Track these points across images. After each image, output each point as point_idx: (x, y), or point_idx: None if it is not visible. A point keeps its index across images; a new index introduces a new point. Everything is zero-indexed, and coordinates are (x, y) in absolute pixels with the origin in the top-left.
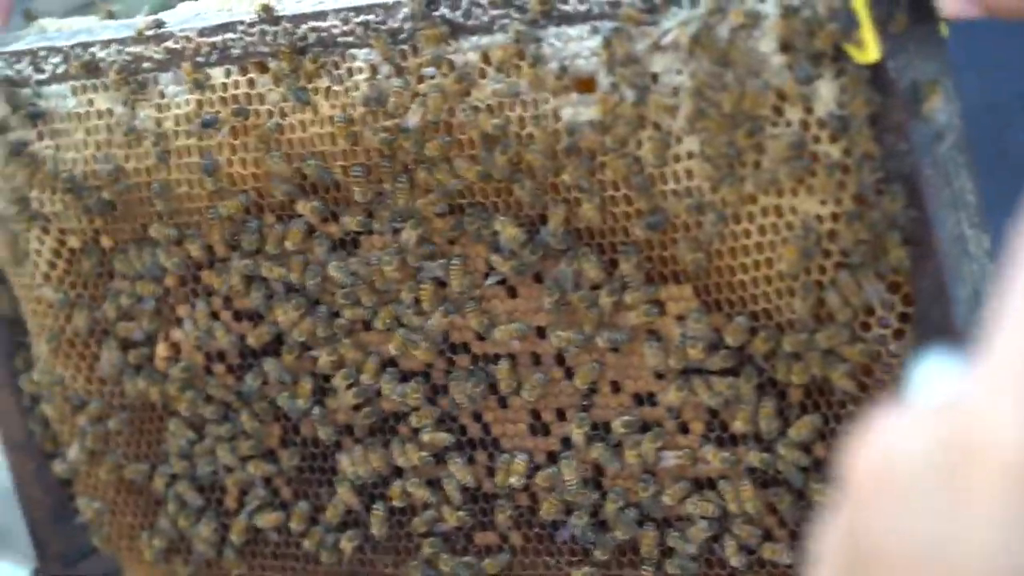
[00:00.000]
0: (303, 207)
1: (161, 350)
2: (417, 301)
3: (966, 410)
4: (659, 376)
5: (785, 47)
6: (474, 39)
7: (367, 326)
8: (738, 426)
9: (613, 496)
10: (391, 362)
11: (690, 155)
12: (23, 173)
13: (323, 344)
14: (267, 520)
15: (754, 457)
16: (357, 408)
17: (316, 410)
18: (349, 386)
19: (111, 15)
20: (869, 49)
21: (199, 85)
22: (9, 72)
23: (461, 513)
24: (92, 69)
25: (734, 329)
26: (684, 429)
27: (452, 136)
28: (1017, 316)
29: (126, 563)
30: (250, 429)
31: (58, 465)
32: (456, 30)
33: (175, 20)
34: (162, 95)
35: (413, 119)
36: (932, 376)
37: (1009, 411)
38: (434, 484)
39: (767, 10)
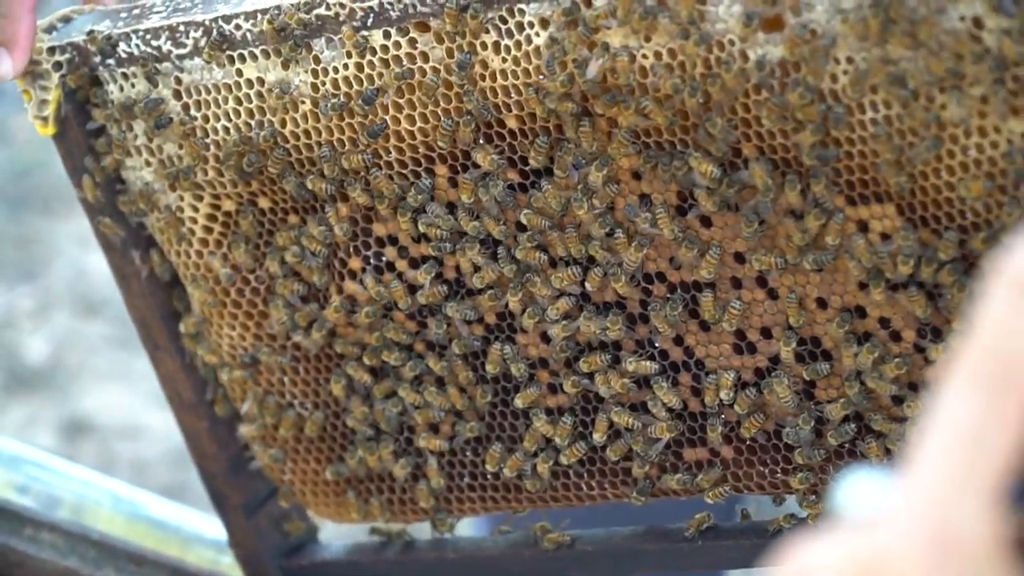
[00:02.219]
0: (482, 157)
1: (335, 302)
2: (609, 235)
3: (880, 539)
4: (863, 287)
5: None
6: None
7: (553, 264)
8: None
9: (831, 406)
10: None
11: (889, 83)
12: (171, 145)
13: (508, 286)
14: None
15: None
16: (547, 341)
17: (508, 347)
18: (537, 322)
19: None
20: None
21: (358, 47)
22: (148, 49)
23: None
24: (239, 41)
25: (946, 244)
26: (896, 337)
27: (637, 79)
28: (941, 434)
29: (311, 507)
30: (439, 371)
31: (243, 427)
32: None
33: None
34: (317, 60)
35: (593, 69)
36: (859, 492)
37: (918, 546)
38: (638, 409)
39: None
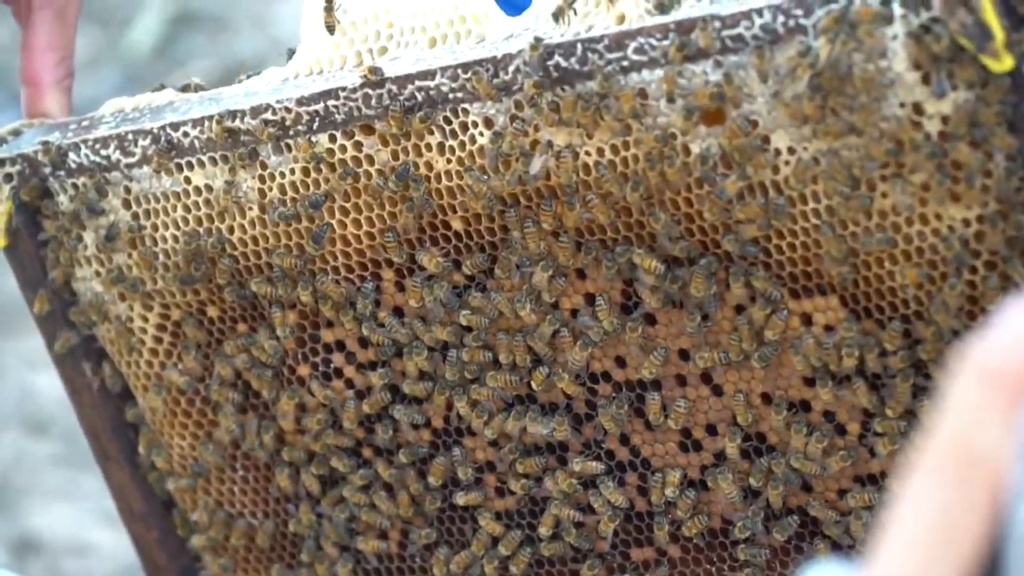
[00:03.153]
0: (427, 260)
1: (282, 410)
2: (553, 337)
3: None
4: (808, 383)
5: (917, 65)
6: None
7: (497, 366)
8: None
9: (775, 492)
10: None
11: (827, 174)
12: (120, 255)
13: (454, 389)
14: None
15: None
16: (495, 445)
17: (456, 451)
18: (486, 422)
19: (193, 88)
20: (1004, 58)
21: (313, 159)
22: (96, 159)
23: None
24: (188, 148)
25: (891, 334)
26: (841, 431)
27: (580, 177)
28: (906, 524)
29: None
30: (387, 477)
31: (194, 537)
32: (570, 78)
33: (267, 89)
34: (263, 166)
35: (536, 165)
36: None
37: None
38: (585, 510)
39: (895, 32)
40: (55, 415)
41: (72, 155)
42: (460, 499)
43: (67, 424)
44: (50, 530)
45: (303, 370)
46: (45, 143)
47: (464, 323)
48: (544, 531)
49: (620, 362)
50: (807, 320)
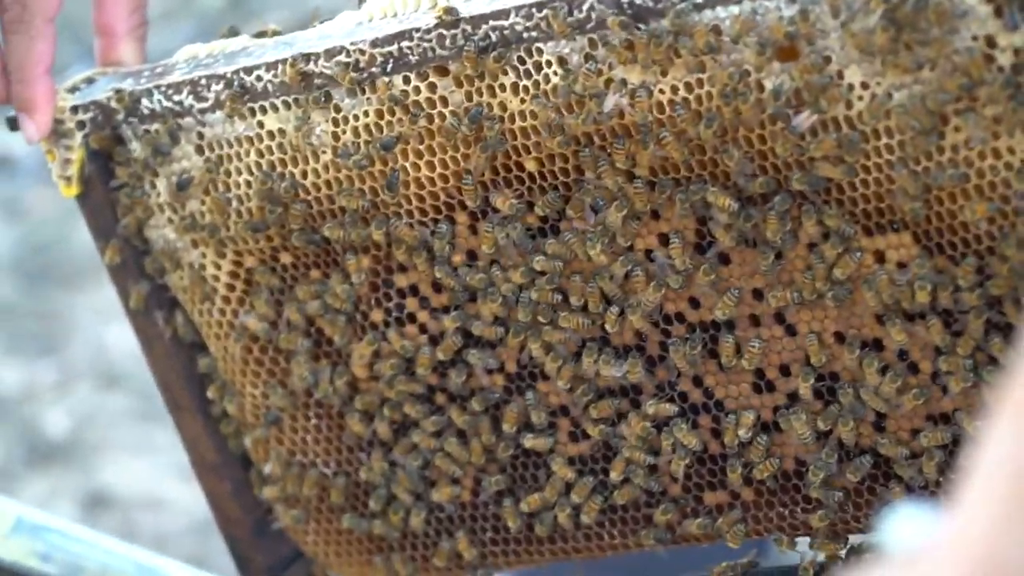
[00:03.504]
0: (501, 202)
1: (359, 354)
2: (627, 278)
3: (926, 573)
4: (881, 322)
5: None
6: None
7: (570, 308)
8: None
9: (846, 429)
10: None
11: (902, 108)
12: (193, 202)
13: (528, 332)
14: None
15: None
16: (569, 390)
17: (530, 395)
18: (560, 367)
19: (270, 33)
20: None
21: (391, 99)
22: (169, 104)
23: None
24: (261, 92)
25: (964, 270)
26: (914, 369)
27: (654, 115)
28: (987, 469)
29: (334, 568)
30: (460, 423)
31: (267, 489)
32: (643, 15)
33: (341, 33)
34: (337, 109)
35: (609, 103)
36: (904, 528)
37: None
38: (658, 453)
39: None
40: (128, 369)
41: (145, 101)
42: (528, 442)
43: (140, 378)
44: (123, 484)
45: (376, 316)
46: (118, 90)
47: (538, 268)
48: (615, 476)
49: (694, 303)
50: (880, 257)
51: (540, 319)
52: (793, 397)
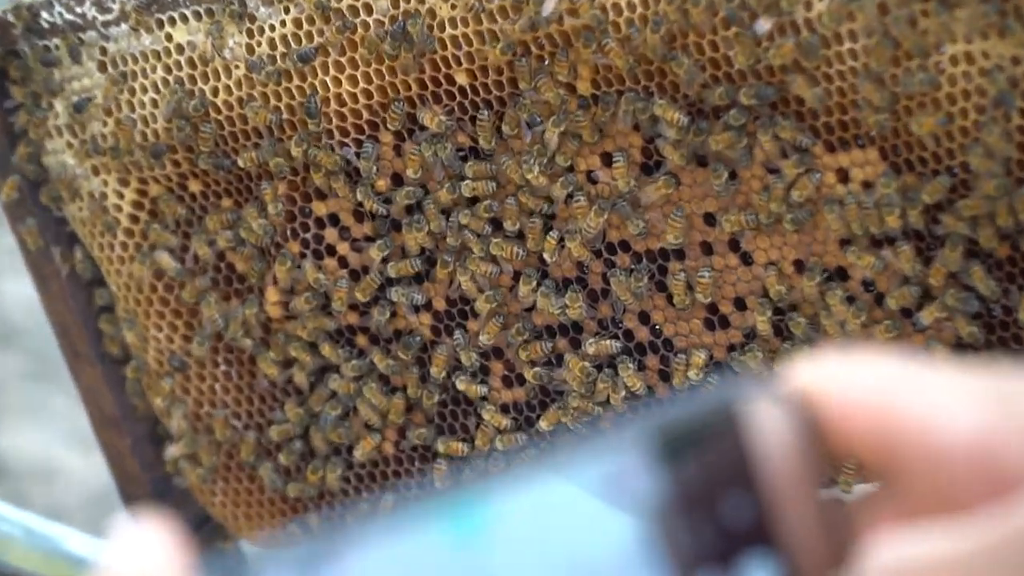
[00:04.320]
0: (429, 119)
1: (271, 294)
2: (567, 202)
3: None
4: (844, 244)
5: None
6: None
7: (505, 235)
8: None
9: None
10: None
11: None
12: (95, 124)
13: (457, 262)
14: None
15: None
16: (502, 328)
17: (459, 335)
18: (496, 305)
19: None
20: None
21: (319, 6)
22: (71, 16)
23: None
24: (170, 2)
25: (933, 188)
26: (880, 300)
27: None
28: None
29: (244, 532)
30: (383, 368)
31: (171, 446)
32: None
33: None
34: (252, 19)
35: (549, 6)
36: None
37: None
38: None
39: None
40: (23, 326)
41: (44, 14)
42: (461, 384)
43: (37, 335)
44: (15, 452)
45: (293, 248)
46: (16, 4)
47: (468, 194)
48: (545, 426)
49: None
50: (843, 176)
51: (471, 248)
52: (749, 335)
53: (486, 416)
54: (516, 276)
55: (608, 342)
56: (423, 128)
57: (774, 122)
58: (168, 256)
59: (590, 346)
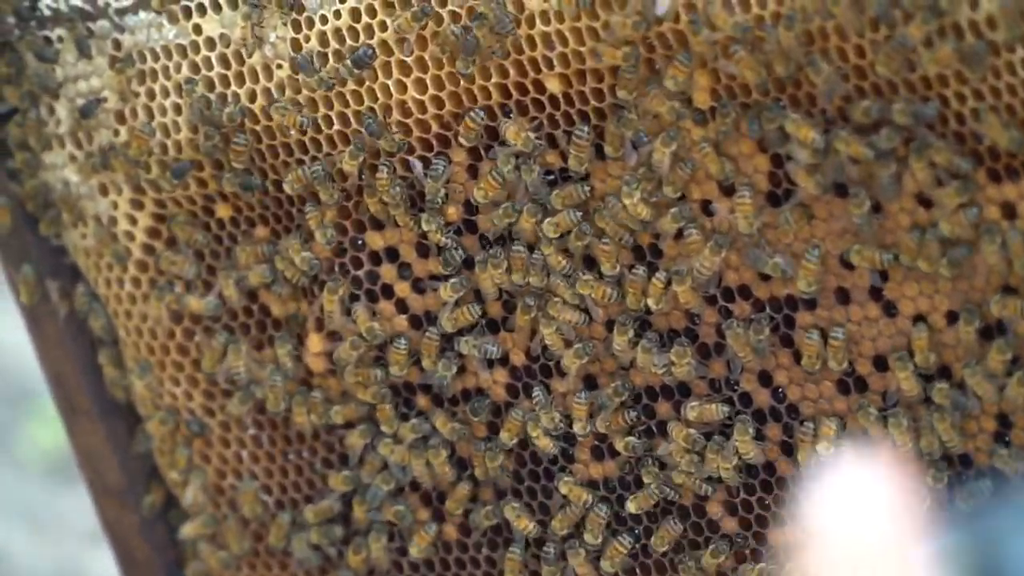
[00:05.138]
0: (513, 134)
1: (314, 343)
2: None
3: None
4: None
5: None
6: None
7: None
8: None
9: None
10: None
11: None
12: (104, 132)
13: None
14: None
15: None
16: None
17: (538, 394)
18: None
19: None
20: None
21: None
22: (78, 2)
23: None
24: None
25: None
26: None
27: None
28: None
29: None
30: (446, 432)
31: (187, 525)
32: None
33: None
34: (299, 8)
35: (665, 3)
36: None
37: None
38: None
39: None
40: None
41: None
42: (562, 488)
43: None
44: None
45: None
46: None
47: (551, 234)
48: (635, 508)
49: (763, 274)
50: (1009, 211)
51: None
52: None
53: (564, 490)
54: (609, 325)
55: (714, 406)
56: (503, 143)
57: (928, 143)
58: (194, 298)
59: (691, 410)
